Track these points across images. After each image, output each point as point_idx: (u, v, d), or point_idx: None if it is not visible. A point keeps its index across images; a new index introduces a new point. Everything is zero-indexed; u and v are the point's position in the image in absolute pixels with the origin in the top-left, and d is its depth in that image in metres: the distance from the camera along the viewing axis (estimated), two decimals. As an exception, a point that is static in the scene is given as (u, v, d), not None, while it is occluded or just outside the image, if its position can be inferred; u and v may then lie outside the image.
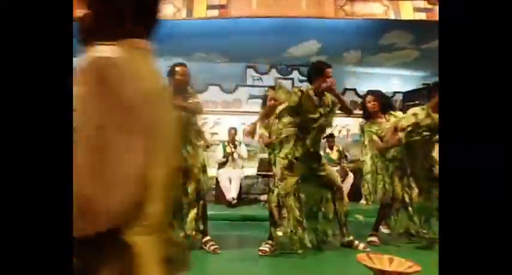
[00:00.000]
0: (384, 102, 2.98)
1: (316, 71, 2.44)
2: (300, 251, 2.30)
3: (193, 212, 2.38)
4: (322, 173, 2.44)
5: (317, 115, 2.39)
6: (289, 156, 2.37)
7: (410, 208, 2.69)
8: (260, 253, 2.28)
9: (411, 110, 2.64)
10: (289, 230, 2.32)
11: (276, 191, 2.34)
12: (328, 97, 2.45)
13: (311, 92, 2.40)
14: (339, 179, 2.59)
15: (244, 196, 5.06)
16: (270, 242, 2.37)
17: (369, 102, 2.90)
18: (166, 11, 4.09)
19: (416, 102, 5.39)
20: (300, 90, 2.39)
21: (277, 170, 2.45)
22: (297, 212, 2.34)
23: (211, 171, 4.81)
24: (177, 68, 2.45)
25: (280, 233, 2.34)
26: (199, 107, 2.46)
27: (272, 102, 2.54)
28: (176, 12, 4.09)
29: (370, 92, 3.08)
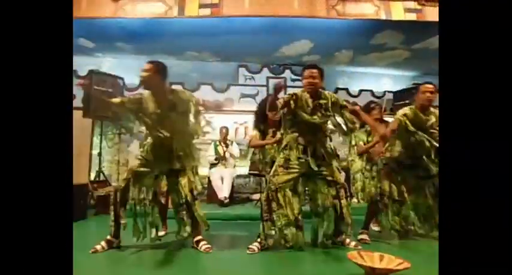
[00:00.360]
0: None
1: (302, 72, 2.49)
2: (286, 247, 2.33)
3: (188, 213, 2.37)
4: (326, 172, 2.45)
5: (314, 116, 2.40)
6: (288, 155, 2.40)
7: (397, 205, 2.73)
8: (248, 251, 2.28)
9: (401, 111, 2.68)
10: (277, 228, 2.33)
11: (267, 186, 2.36)
12: (327, 96, 2.47)
13: (305, 94, 2.42)
14: (342, 178, 2.59)
15: (236, 195, 5.06)
16: (258, 240, 2.38)
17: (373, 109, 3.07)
18: (158, 9, 4.06)
19: (407, 101, 5.45)
20: (295, 94, 2.42)
21: (274, 167, 2.47)
22: (287, 210, 2.35)
23: (204, 170, 4.80)
24: (145, 66, 2.36)
25: (266, 231, 2.34)
26: (216, 104, 2.55)
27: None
28: (168, 10, 4.05)
29: (373, 103, 3.25)
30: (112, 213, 2.35)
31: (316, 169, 2.42)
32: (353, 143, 3.11)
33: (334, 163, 2.55)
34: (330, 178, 2.45)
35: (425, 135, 2.60)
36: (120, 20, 4.25)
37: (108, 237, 2.35)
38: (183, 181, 2.38)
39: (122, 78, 5.24)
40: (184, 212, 2.38)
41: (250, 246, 2.33)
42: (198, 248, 2.35)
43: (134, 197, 2.37)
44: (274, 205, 2.34)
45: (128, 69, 5.73)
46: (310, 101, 2.41)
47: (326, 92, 2.51)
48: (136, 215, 2.40)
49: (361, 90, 6.31)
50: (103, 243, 2.31)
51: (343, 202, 2.44)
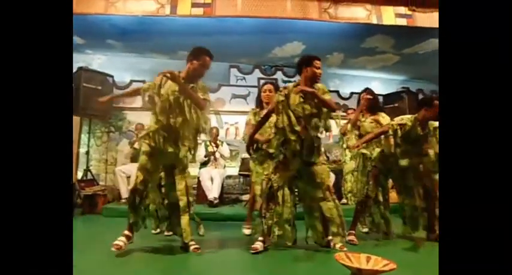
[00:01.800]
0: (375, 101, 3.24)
1: (305, 62, 2.43)
2: (273, 241, 2.39)
3: (187, 216, 2.34)
4: (314, 172, 2.42)
5: (304, 111, 2.37)
6: (283, 152, 2.39)
7: (382, 207, 2.77)
8: (252, 251, 2.28)
9: (399, 118, 2.75)
10: (273, 225, 2.35)
11: (269, 184, 2.36)
12: (319, 87, 2.46)
13: (295, 89, 2.39)
14: (329, 179, 2.56)
15: (226, 196, 5.04)
16: (261, 238, 2.37)
17: (363, 97, 3.14)
18: (149, 7, 4.03)
19: (396, 105, 5.55)
20: (285, 88, 2.41)
21: (272, 164, 2.47)
22: (283, 208, 2.36)
23: (194, 170, 4.77)
24: (203, 56, 2.54)
25: (270, 228, 2.35)
26: (206, 104, 2.43)
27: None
28: (160, 8, 4.03)
29: (366, 89, 3.27)
30: (130, 214, 2.35)
31: (305, 168, 2.42)
32: (344, 146, 3.13)
33: (323, 163, 2.51)
34: (318, 180, 2.42)
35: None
36: (111, 17, 4.20)
37: (126, 232, 2.32)
38: (180, 185, 2.33)
39: (111, 76, 5.17)
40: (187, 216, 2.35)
41: (253, 246, 2.32)
42: (187, 249, 2.33)
43: (149, 195, 2.39)
44: (272, 202, 2.35)
45: (118, 66, 5.66)
46: (299, 95, 2.39)
47: (319, 84, 2.49)
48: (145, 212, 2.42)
49: (352, 93, 6.38)
50: (123, 238, 2.27)
51: (330, 204, 2.40)
